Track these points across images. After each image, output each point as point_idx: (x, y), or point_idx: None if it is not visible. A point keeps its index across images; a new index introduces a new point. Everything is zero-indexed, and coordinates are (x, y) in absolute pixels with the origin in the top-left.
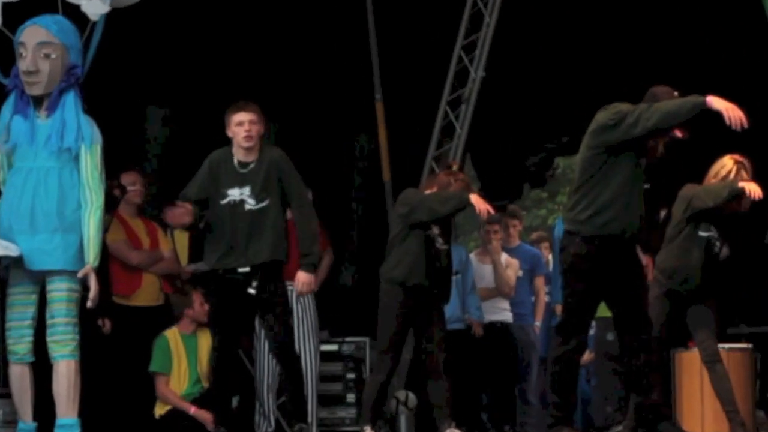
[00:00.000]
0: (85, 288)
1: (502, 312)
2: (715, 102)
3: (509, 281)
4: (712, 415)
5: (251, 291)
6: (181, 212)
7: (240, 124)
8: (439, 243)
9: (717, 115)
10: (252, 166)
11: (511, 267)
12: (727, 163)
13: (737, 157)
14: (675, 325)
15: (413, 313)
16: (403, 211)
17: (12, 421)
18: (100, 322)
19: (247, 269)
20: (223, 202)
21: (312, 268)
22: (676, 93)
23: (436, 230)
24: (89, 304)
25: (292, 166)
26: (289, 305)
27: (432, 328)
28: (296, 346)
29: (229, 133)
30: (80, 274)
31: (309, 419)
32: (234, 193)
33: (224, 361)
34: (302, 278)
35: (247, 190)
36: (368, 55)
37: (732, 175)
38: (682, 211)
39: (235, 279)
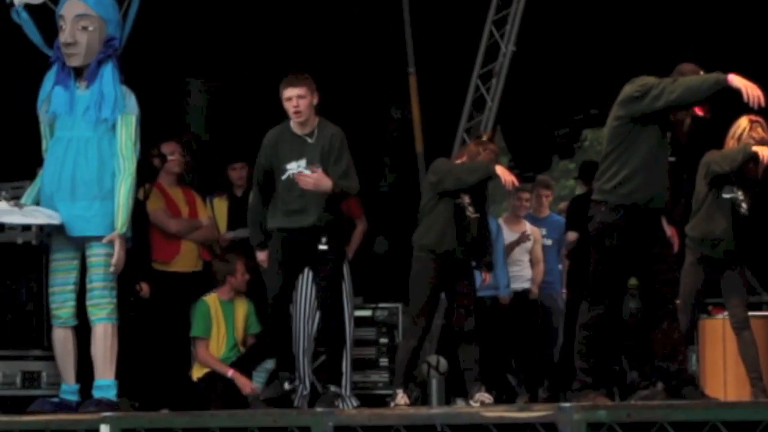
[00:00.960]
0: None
1: (526, 281)
2: (735, 80)
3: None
4: (734, 381)
5: (322, 247)
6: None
7: (288, 99)
8: (470, 212)
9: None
10: (308, 139)
11: (535, 235)
12: (742, 123)
13: (753, 116)
14: (706, 292)
15: (444, 279)
16: (432, 179)
17: (56, 383)
18: (138, 287)
19: (311, 226)
20: (284, 177)
21: (334, 185)
22: (702, 72)
23: (466, 199)
24: (111, 269)
25: (345, 147)
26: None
27: (463, 294)
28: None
29: (285, 107)
30: (105, 240)
31: (342, 382)
32: (292, 167)
33: (279, 315)
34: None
35: (303, 163)
36: (402, 29)
37: (746, 133)
38: (703, 177)
39: (300, 238)
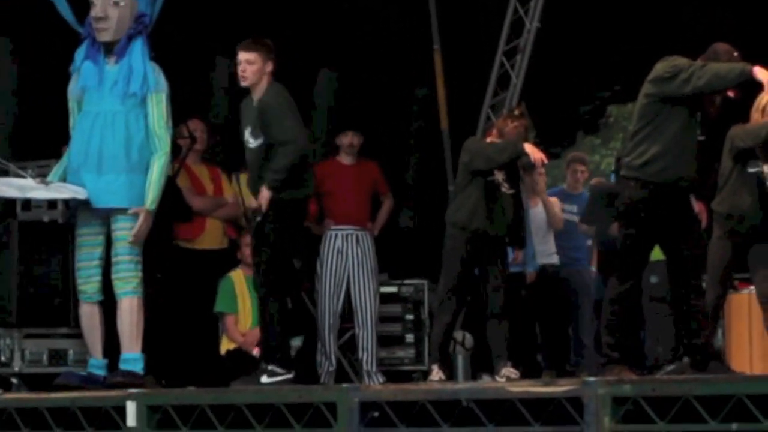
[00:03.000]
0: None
1: (551, 255)
2: (760, 73)
3: (560, 216)
4: (760, 355)
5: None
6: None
7: (237, 63)
8: (505, 188)
9: None
10: (253, 105)
11: (555, 204)
12: (765, 96)
13: None
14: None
15: (475, 255)
16: (465, 159)
17: (82, 360)
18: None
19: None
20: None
21: (269, 186)
22: (736, 53)
23: (501, 176)
24: (130, 239)
25: (280, 109)
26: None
27: (493, 271)
28: (354, 289)
29: None
30: (131, 212)
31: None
32: (245, 133)
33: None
34: (262, 194)
35: (248, 129)
36: (426, 5)
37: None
38: (728, 152)
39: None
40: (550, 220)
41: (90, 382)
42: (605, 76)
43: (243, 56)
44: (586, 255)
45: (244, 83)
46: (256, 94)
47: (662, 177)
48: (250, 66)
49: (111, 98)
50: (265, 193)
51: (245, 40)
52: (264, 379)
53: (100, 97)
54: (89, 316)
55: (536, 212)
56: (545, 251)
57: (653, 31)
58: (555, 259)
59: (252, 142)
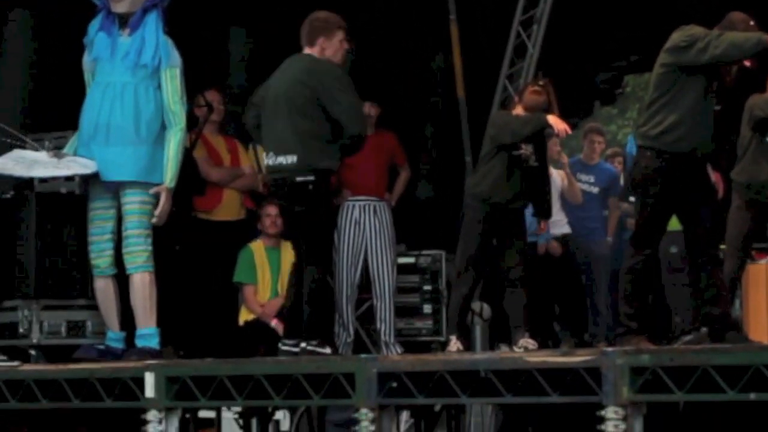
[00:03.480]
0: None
1: (563, 225)
2: None
3: (577, 188)
4: None
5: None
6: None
7: (347, 39)
8: (532, 161)
9: None
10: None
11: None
12: None
13: None
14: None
15: (495, 227)
16: (491, 133)
17: (100, 332)
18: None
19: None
20: None
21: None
22: (752, 22)
23: (528, 149)
24: (154, 220)
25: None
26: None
27: (512, 242)
28: (372, 259)
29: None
30: (152, 191)
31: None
32: None
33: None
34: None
35: None
36: None
37: None
38: (746, 122)
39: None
40: (569, 194)
41: (108, 355)
42: (621, 46)
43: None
44: (602, 225)
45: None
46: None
47: (678, 147)
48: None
49: (122, 69)
50: None
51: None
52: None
53: (112, 68)
54: (103, 290)
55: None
56: (558, 222)
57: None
58: (567, 229)
59: None
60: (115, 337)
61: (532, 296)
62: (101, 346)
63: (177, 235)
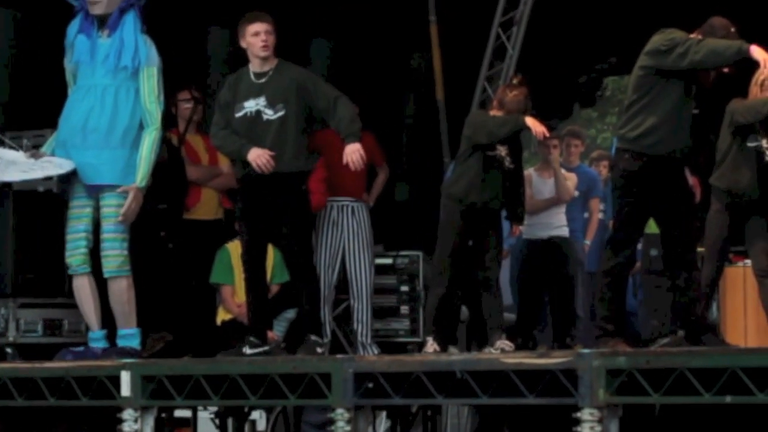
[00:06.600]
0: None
1: (560, 228)
2: (756, 52)
3: (570, 189)
4: (755, 328)
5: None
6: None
7: (256, 34)
8: (507, 162)
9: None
10: (269, 75)
11: (570, 180)
12: (764, 70)
13: None
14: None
15: (471, 228)
16: (467, 133)
17: (77, 330)
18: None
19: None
20: (239, 115)
21: (355, 138)
22: (733, 29)
23: (503, 150)
24: (119, 219)
25: (316, 79)
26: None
27: (489, 244)
28: (349, 260)
29: (244, 44)
30: (120, 190)
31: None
32: (250, 105)
33: (253, 265)
34: (350, 149)
35: (262, 100)
36: None
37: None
38: (727, 126)
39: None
40: (558, 191)
41: (86, 357)
42: (601, 48)
43: (262, 27)
44: (581, 227)
45: (266, 53)
46: (268, 65)
47: (657, 149)
48: (270, 36)
49: (102, 72)
50: (356, 146)
51: (252, 12)
52: (246, 350)
53: (92, 71)
54: (80, 288)
55: (549, 183)
56: (555, 223)
57: (650, 2)
58: (564, 232)
59: (270, 113)
60: (95, 337)
61: (522, 297)
62: (80, 348)
63: (170, 234)
